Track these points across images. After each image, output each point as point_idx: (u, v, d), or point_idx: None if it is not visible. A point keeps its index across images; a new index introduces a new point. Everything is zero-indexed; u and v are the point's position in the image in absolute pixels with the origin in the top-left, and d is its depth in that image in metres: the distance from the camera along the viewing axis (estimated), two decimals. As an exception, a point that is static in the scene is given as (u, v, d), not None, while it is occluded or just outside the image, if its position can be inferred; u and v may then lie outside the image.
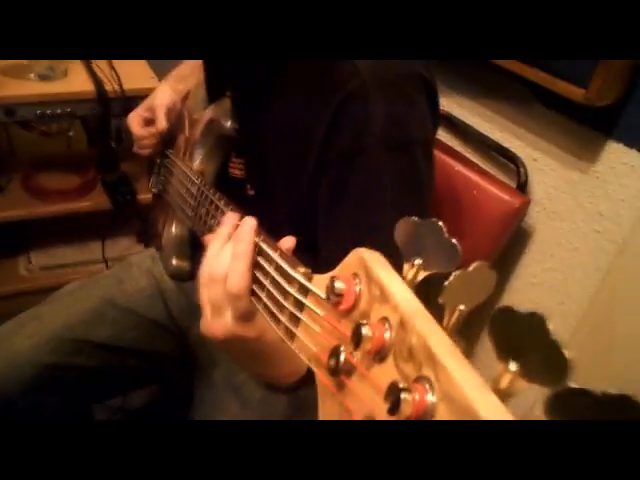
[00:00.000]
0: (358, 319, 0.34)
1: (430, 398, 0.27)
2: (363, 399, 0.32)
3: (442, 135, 1.23)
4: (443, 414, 0.26)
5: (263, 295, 0.48)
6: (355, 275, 0.35)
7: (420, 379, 0.28)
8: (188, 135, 1.00)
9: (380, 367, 0.31)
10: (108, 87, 1.44)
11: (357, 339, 0.32)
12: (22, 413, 0.84)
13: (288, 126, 0.73)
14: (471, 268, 0.29)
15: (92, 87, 1.42)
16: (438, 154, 0.82)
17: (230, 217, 0.56)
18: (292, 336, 0.43)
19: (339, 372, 0.34)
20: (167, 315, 0.96)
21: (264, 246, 0.50)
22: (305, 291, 0.42)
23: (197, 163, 0.93)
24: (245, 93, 0.81)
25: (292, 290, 0.43)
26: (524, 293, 1.14)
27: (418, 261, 0.33)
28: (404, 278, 0.33)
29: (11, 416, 0.83)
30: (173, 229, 0.99)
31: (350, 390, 0.34)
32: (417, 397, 0.27)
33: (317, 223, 0.72)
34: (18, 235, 1.72)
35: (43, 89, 1.37)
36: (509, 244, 1.06)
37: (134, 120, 1.02)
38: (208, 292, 0.51)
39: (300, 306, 0.42)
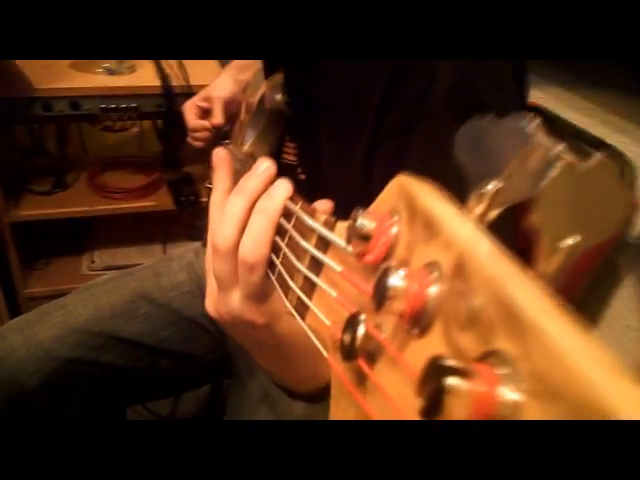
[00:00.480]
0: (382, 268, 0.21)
1: (508, 389, 0.13)
2: (392, 399, 0.19)
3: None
4: (536, 412, 0.13)
5: (278, 261, 0.36)
6: (393, 211, 0.23)
7: (489, 357, 0.15)
8: (242, 119, 0.92)
9: (421, 343, 0.19)
10: (175, 83, 1.40)
11: (381, 296, 0.19)
12: (39, 408, 0.75)
13: (341, 96, 0.62)
14: (590, 163, 0.16)
15: (159, 82, 1.38)
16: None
17: (261, 165, 0.41)
18: (304, 310, 0.30)
19: (355, 354, 0.21)
20: (206, 314, 0.85)
21: (287, 201, 0.38)
22: (325, 246, 0.29)
23: (248, 145, 0.84)
24: (297, 64, 0.71)
25: (308, 246, 0.31)
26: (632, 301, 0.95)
27: (493, 185, 0.20)
28: (469, 213, 0.20)
29: (27, 410, 0.75)
30: (221, 222, 0.91)
31: (372, 385, 0.21)
32: (482, 387, 0.14)
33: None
34: (84, 234, 1.71)
35: (108, 82, 1.35)
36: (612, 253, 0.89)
37: (190, 110, 0.97)
38: (218, 262, 0.39)
39: (317, 268, 0.30)
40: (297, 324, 0.31)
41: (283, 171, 0.85)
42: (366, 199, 0.60)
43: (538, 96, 1.05)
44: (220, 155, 0.45)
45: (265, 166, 0.40)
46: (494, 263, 0.16)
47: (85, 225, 1.70)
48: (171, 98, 1.39)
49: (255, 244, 0.37)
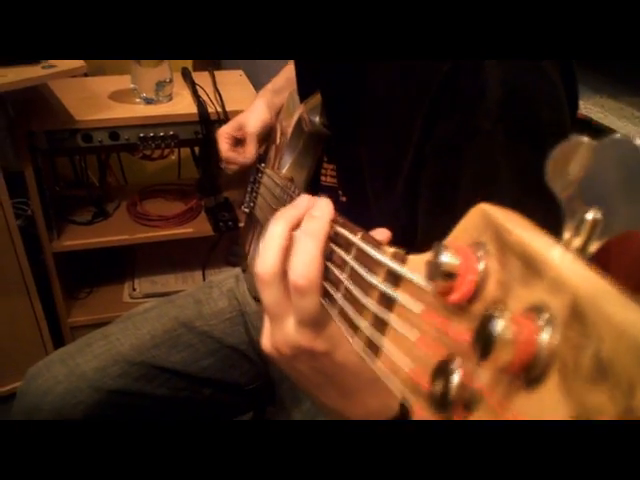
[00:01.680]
0: (484, 313, 0.18)
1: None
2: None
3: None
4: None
5: (339, 296, 0.33)
6: (476, 245, 0.20)
7: (629, 413, 0.12)
8: (278, 143, 0.91)
9: (534, 395, 0.16)
10: (211, 110, 1.41)
11: (486, 345, 0.17)
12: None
13: (384, 114, 0.60)
14: None
15: (195, 110, 1.40)
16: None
17: (303, 199, 0.41)
18: (376, 350, 0.28)
19: (449, 405, 0.19)
20: (248, 341, 0.84)
21: (341, 230, 0.36)
22: (395, 280, 0.27)
23: (286, 169, 0.83)
24: (335, 83, 0.70)
25: (376, 281, 0.28)
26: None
27: (592, 215, 0.18)
28: (566, 246, 0.18)
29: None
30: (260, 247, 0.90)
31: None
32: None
33: (417, 231, 0.57)
34: (125, 262, 1.73)
35: (146, 112, 1.37)
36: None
37: (223, 138, 0.96)
38: (264, 291, 0.37)
39: (388, 303, 0.27)
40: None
41: (323, 194, 0.84)
42: (410, 220, 0.58)
43: (584, 106, 1.01)
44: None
45: (306, 199, 0.39)
46: (620, 309, 0.14)
47: (126, 253, 1.72)
48: (208, 125, 1.39)
49: (305, 266, 0.35)
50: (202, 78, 1.53)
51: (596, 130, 1.01)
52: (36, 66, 1.18)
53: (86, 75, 1.38)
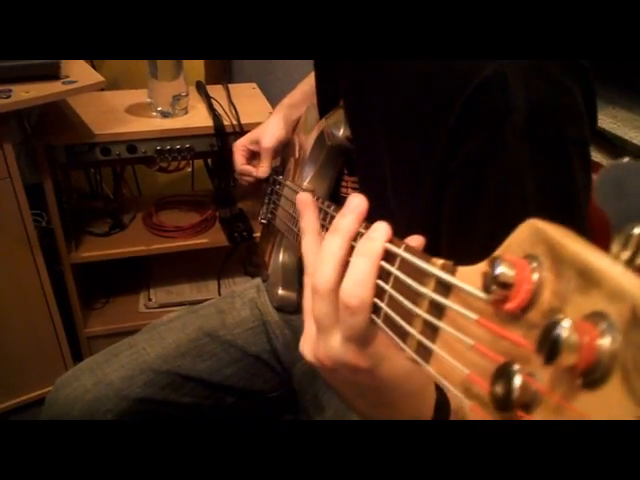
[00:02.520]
0: (540, 320, 0.20)
1: None
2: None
3: (593, 154, 1.04)
4: None
5: (383, 304, 0.35)
6: (529, 258, 0.22)
7: None
8: (298, 157, 0.93)
9: (597, 395, 0.18)
10: (226, 122, 1.43)
11: (552, 350, 0.18)
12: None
13: (406, 129, 0.62)
14: None
15: (211, 123, 1.42)
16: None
17: (356, 205, 0.40)
18: (426, 356, 0.29)
19: (511, 406, 0.20)
20: (270, 350, 0.86)
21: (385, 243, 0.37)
22: (445, 290, 0.28)
23: (307, 182, 0.85)
24: (358, 96, 0.71)
25: (426, 290, 0.30)
26: None
27: None
28: (616, 258, 0.20)
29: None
30: (280, 257, 0.91)
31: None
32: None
33: (437, 241, 0.59)
34: (141, 273, 1.75)
35: (163, 125, 1.39)
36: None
37: (239, 151, 0.98)
38: (317, 303, 0.38)
39: (438, 312, 0.29)
40: (401, 366, 0.30)
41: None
42: (433, 233, 0.60)
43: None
44: (304, 199, 0.45)
45: (357, 202, 0.40)
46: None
47: (141, 264, 1.74)
48: (223, 137, 1.42)
49: (357, 286, 0.36)
50: (216, 91, 1.56)
51: (608, 140, 1.02)
52: (57, 82, 1.20)
53: (102, 90, 1.41)
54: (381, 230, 0.37)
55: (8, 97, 1.12)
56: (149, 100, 1.42)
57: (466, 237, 0.56)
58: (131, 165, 1.72)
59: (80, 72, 1.26)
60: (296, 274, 0.88)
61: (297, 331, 0.86)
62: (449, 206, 0.57)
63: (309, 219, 0.44)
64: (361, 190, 0.76)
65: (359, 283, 0.36)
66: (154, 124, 1.39)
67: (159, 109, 1.42)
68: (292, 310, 0.86)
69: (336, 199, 0.83)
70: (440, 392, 0.41)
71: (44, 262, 1.34)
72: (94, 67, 1.34)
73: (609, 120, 1.03)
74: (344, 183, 0.83)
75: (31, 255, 1.32)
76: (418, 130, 0.60)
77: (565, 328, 0.18)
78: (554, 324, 0.18)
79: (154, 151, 1.38)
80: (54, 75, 1.21)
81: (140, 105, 1.45)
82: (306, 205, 0.44)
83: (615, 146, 1.02)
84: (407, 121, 0.62)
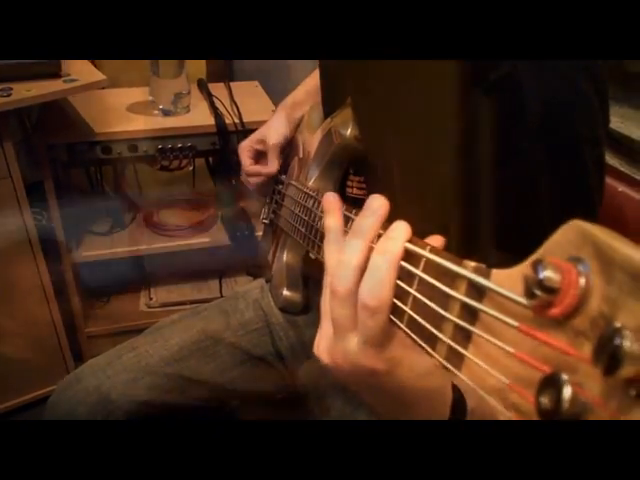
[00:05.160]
0: (588, 327, 0.19)
1: None
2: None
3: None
4: None
5: (407, 307, 0.34)
6: (574, 261, 0.21)
7: None
8: (302, 156, 0.92)
9: None
10: (228, 121, 1.42)
11: (612, 360, 0.18)
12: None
13: (416, 129, 0.61)
14: None
15: (213, 121, 1.41)
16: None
17: (378, 206, 0.40)
18: (458, 363, 0.28)
19: (559, 417, 0.20)
20: (274, 352, 0.85)
21: (407, 244, 0.36)
22: (478, 293, 0.27)
23: (312, 182, 0.84)
24: (367, 95, 0.70)
25: (458, 294, 0.29)
26: None
27: None
28: None
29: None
30: (284, 258, 0.90)
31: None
32: None
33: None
34: (141, 272, 1.74)
35: (164, 123, 1.38)
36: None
37: (245, 151, 0.97)
38: (336, 305, 0.38)
39: (471, 317, 0.28)
40: (418, 368, 0.29)
41: (350, 205, 0.85)
42: (442, 232, 0.59)
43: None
44: (332, 199, 0.46)
45: (379, 203, 0.39)
46: None
47: (142, 263, 1.73)
48: (225, 136, 1.41)
49: (376, 287, 0.35)
50: (218, 89, 1.55)
51: (616, 139, 1.01)
52: (58, 80, 1.19)
53: (103, 87, 1.40)
54: (401, 229, 0.37)
55: (9, 95, 1.11)
56: (151, 98, 1.41)
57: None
58: (132, 164, 1.70)
59: (81, 70, 1.24)
60: (300, 275, 0.87)
61: (301, 332, 0.85)
62: (457, 213, 0.56)
63: (334, 218, 0.44)
64: (368, 191, 0.76)
65: (378, 283, 0.35)
66: (155, 122, 1.38)
67: (161, 107, 1.41)
68: (297, 311, 0.85)
69: (344, 200, 0.82)
70: (456, 391, 0.41)
71: (44, 261, 1.33)
72: (95, 65, 1.33)
73: (615, 119, 1.02)
74: (350, 183, 0.82)
75: (31, 254, 1.31)
76: (428, 130, 0.59)
77: (627, 338, 0.17)
78: (613, 333, 0.17)
79: (155, 150, 1.37)
80: (55, 73, 1.19)
81: (141, 103, 1.43)
82: (333, 204, 0.45)
83: (621, 145, 1.01)
84: (417, 122, 0.61)
